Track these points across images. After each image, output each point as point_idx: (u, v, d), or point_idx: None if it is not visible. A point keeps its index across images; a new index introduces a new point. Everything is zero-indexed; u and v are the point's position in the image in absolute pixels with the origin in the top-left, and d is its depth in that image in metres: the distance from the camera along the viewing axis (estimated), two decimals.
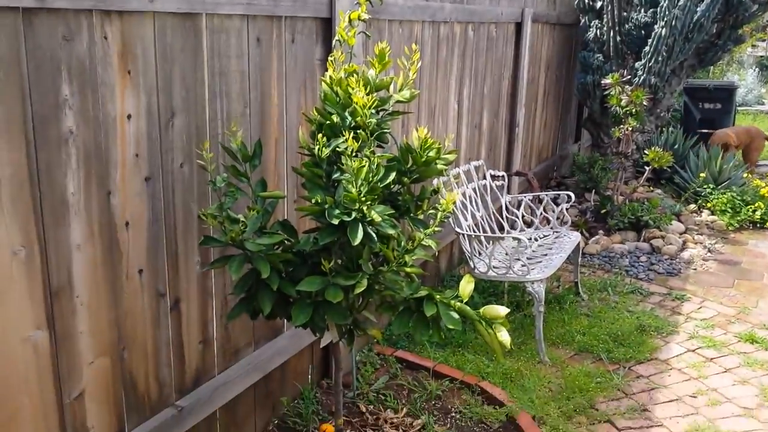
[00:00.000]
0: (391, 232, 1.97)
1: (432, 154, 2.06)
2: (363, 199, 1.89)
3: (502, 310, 2.02)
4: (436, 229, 1.99)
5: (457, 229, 3.73)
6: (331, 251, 2.08)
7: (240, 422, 2.85)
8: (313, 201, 1.97)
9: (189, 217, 2.36)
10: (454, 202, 3.65)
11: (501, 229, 4.49)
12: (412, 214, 2.15)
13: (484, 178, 4.43)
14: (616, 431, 3.06)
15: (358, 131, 1.98)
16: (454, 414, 3.09)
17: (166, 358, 2.41)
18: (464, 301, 2.06)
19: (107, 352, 2.16)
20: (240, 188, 2.14)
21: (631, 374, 3.53)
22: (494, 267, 3.78)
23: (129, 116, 2.10)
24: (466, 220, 3.93)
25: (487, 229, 4.19)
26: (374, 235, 1.97)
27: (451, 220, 3.77)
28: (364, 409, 3.08)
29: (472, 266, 3.77)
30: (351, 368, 3.29)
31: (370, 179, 1.90)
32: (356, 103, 1.97)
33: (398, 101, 2.18)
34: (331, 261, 1.98)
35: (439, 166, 2.12)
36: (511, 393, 3.22)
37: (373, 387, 3.25)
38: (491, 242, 3.91)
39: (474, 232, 3.84)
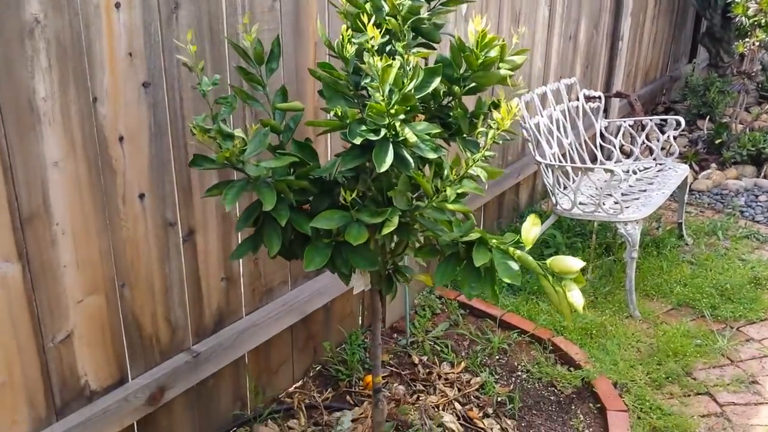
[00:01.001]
0: (432, 156, 1.50)
1: (492, 54, 1.55)
2: (393, 111, 1.42)
3: (575, 263, 1.53)
4: (488, 153, 1.50)
5: (538, 158, 3.19)
6: (358, 180, 1.64)
7: (273, 368, 2.53)
8: (332, 114, 1.52)
9: None
10: (531, 125, 3.12)
11: (594, 159, 3.89)
12: (465, 135, 1.67)
13: (577, 99, 3.81)
14: (716, 406, 2.54)
15: (390, 19, 1.49)
16: (520, 373, 2.65)
17: (179, 298, 2.08)
18: (527, 248, 1.58)
19: (101, 290, 1.84)
20: (256, 98, 1.72)
21: (740, 336, 2.96)
22: (581, 204, 3.24)
23: (117, 4, 1.69)
24: (551, 147, 3.37)
25: (576, 159, 3.62)
26: (410, 159, 1.51)
27: (531, 146, 3.22)
28: (416, 360, 2.70)
29: (555, 202, 3.24)
30: (405, 313, 2.89)
31: (403, 85, 1.42)
32: None
33: None
34: (354, 191, 1.54)
35: (503, 72, 1.60)
36: (590, 352, 2.74)
37: (430, 335, 2.85)
38: (578, 174, 3.35)
39: (558, 161, 3.29)
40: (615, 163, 3.76)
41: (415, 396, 2.49)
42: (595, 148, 3.82)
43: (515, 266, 1.59)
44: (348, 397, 2.55)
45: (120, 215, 1.85)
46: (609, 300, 3.17)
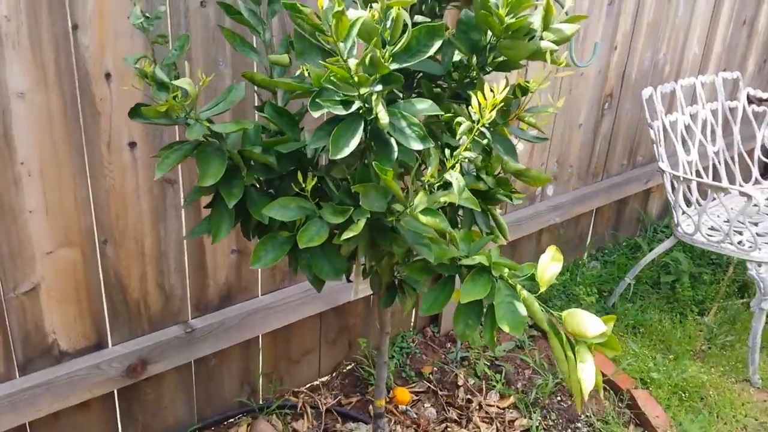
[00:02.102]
0: (416, 146, 1.10)
1: (525, 21, 1.11)
2: (356, 79, 1.04)
3: (593, 326, 1.08)
4: (471, 155, 1.07)
5: (661, 165, 2.59)
6: (335, 164, 1.28)
7: (294, 358, 2.25)
8: (299, 72, 1.17)
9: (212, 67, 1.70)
10: (664, 122, 2.47)
11: (748, 178, 3.16)
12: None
13: (739, 99, 3.10)
14: None
15: None
16: (579, 426, 2.17)
17: (177, 264, 1.85)
18: (538, 291, 1.15)
19: (76, 242, 1.65)
20: (251, 45, 1.40)
21: None
22: (710, 229, 2.61)
23: None
24: (687, 154, 2.75)
25: (722, 174, 2.95)
26: (394, 147, 1.13)
27: (656, 148, 2.63)
28: (460, 382, 2.30)
29: (676, 221, 2.64)
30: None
31: (381, 38, 1.03)
32: None
33: None
34: (314, 178, 1.18)
35: (542, 44, 1.15)
36: (676, 418, 2.18)
37: (488, 354, 2.43)
38: (709, 193, 2.71)
39: (684, 173, 2.66)
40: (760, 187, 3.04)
41: (443, 425, 2.11)
42: (752, 163, 3.11)
43: (522, 310, 1.17)
44: (371, 406, 2.22)
45: (104, 163, 1.62)
46: (724, 354, 2.55)
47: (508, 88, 1.04)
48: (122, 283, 1.77)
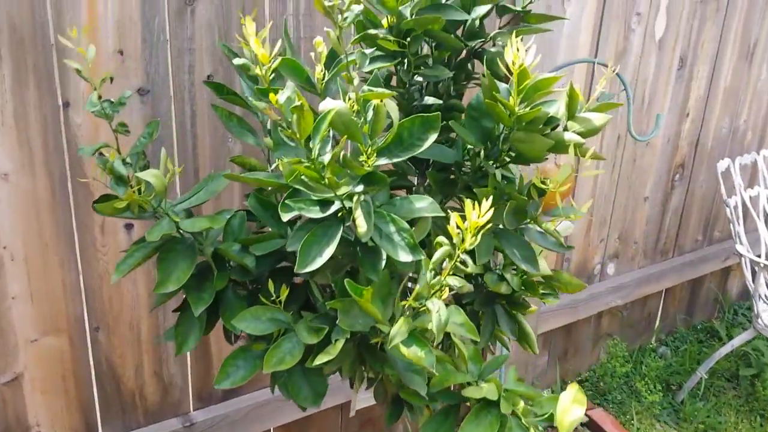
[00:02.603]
0: (405, 258, 0.91)
1: (540, 111, 0.91)
2: (326, 180, 0.87)
3: None
4: (456, 283, 0.86)
5: (739, 247, 2.28)
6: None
7: None
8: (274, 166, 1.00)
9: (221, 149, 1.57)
10: (743, 197, 2.19)
11: None
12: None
13: None
14: None
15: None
16: None
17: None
18: None
19: (63, 330, 1.53)
20: (248, 126, 1.25)
21: None
22: None
23: None
24: None
25: None
26: (381, 257, 0.94)
27: (732, 227, 2.33)
28: None
29: (756, 313, 2.31)
30: None
31: (364, 137, 0.86)
32: None
33: None
34: (287, 289, 1.00)
35: (566, 135, 0.95)
36: None
37: None
38: None
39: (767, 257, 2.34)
40: None
41: None
42: None
43: None
44: None
45: (97, 246, 1.51)
46: None
47: (489, 209, 0.82)
48: (116, 372, 1.63)
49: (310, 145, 0.84)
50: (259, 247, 1.07)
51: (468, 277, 1.20)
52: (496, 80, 0.97)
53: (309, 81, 0.99)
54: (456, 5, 1.13)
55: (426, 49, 1.18)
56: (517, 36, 1.16)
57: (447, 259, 0.86)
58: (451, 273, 0.85)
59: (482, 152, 1.03)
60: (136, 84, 1.43)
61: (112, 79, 1.07)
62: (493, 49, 1.20)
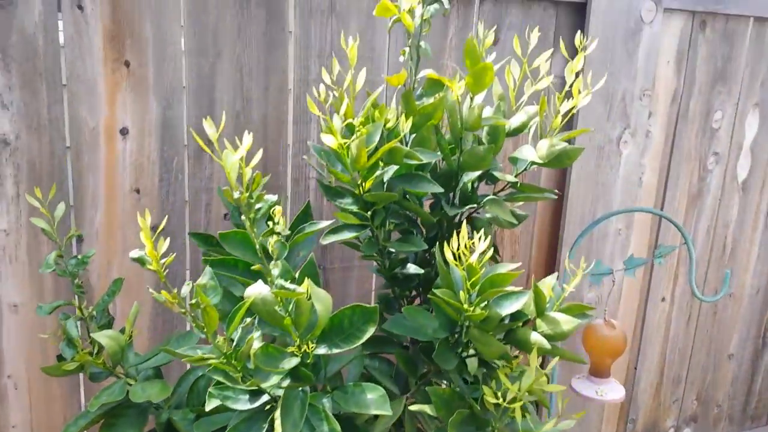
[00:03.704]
0: None
1: (493, 312, 0.80)
2: (252, 368, 0.79)
3: None
4: None
5: None
6: None
7: None
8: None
9: None
10: None
11: None
12: None
13: None
14: None
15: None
16: None
17: None
18: None
19: None
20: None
21: None
22: None
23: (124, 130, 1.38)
24: None
25: None
26: None
27: None
28: None
29: None
30: None
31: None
32: None
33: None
34: None
35: (532, 337, 0.83)
36: None
37: None
38: None
39: None
40: None
41: None
42: None
43: None
44: None
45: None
46: None
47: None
48: None
49: (218, 339, 0.77)
50: (201, 424, 0.99)
51: None
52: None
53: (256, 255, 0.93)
54: (445, 169, 1.06)
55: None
56: (509, 201, 1.07)
57: None
58: None
59: (448, 340, 0.92)
60: (152, 221, 1.44)
61: (80, 237, 1.06)
62: (488, 216, 1.10)
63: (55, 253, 1.00)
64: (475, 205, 1.15)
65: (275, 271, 0.78)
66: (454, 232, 1.02)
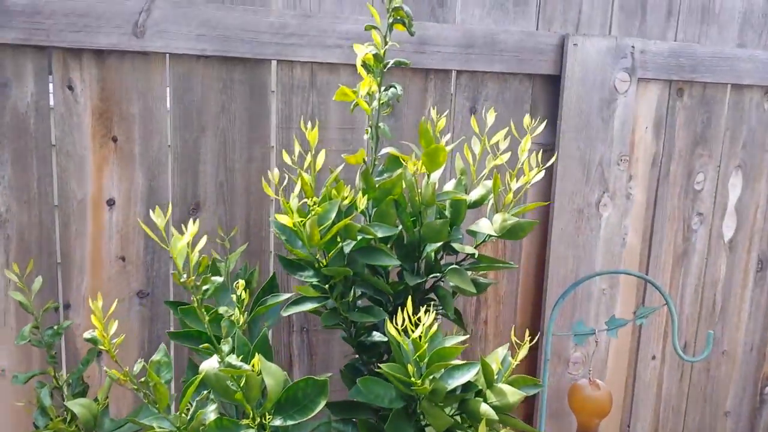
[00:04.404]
0: None
1: (440, 385, 0.83)
2: None
3: None
4: None
5: None
6: None
7: None
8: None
9: None
10: None
11: None
12: None
13: None
14: None
15: None
16: None
17: None
18: None
19: None
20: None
21: None
22: None
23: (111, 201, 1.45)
24: None
25: None
26: None
27: None
28: None
29: None
30: None
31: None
32: None
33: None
34: None
35: (482, 408, 0.86)
36: None
37: None
38: None
39: None
40: None
41: None
42: None
43: None
44: None
45: None
46: None
47: None
48: None
49: (170, 413, 0.81)
50: None
51: None
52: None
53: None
54: (410, 241, 1.11)
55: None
56: (471, 270, 1.11)
57: None
58: None
59: (406, 410, 0.95)
60: (137, 287, 1.50)
61: (67, 304, 1.12)
62: (451, 285, 1.15)
63: (30, 325, 1.06)
64: (439, 275, 1.19)
65: (225, 348, 0.82)
66: (407, 304, 1.07)
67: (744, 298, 2.21)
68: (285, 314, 1.04)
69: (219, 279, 0.81)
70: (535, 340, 1.22)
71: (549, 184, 1.82)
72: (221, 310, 0.81)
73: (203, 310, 0.80)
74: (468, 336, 1.07)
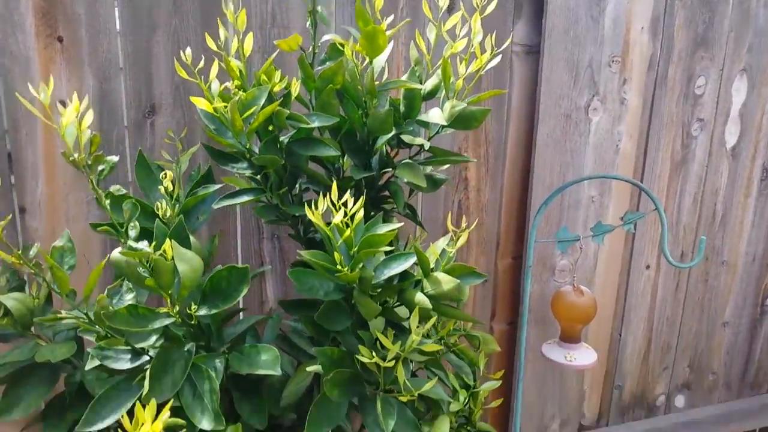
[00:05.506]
0: (208, 424, 0.81)
1: (368, 273, 0.79)
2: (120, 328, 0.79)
3: None
4: None
5: None
6: None
7: None
8: None
9: None
10: None
11: None
12: None
13: None
14: None
15: None
16: None
17: None
18: None
19: None
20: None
21: None
22: None
23: None
24: None
25: None
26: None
27: None
28: None
29: None
30: None
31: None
32: None
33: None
34: None
35: (417, 297, 0.82)
36: None
37: None
38: None
39: None
40: None
41: None
42: None
43: None
44: None
45: None
46: None
47: None
48: None
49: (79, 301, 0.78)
50: (107, 383, 1.01)
51: None
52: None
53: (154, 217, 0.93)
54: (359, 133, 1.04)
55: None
56: (426, 165, 1.05)
57: None
58: None
59: (341, 302, 0.91)
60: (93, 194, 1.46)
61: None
62: (404, 180, 1.09)
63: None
64: (391, 170, 1.13)
65: (132, 233, 0.78)
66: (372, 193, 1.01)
67: (747, 207, 2.12)
68: (216, 206, 0.99)
69: (114, 158, 0.76)
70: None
71: (534, 86, 1.72)
72: (113, 188, 0.76)
73: (99, 190, 0.76)
74: (402, 224, 1.02)
